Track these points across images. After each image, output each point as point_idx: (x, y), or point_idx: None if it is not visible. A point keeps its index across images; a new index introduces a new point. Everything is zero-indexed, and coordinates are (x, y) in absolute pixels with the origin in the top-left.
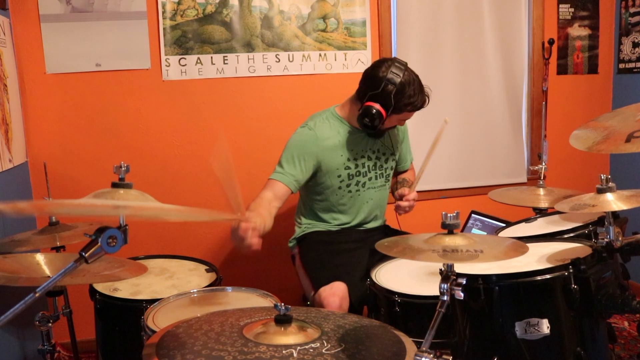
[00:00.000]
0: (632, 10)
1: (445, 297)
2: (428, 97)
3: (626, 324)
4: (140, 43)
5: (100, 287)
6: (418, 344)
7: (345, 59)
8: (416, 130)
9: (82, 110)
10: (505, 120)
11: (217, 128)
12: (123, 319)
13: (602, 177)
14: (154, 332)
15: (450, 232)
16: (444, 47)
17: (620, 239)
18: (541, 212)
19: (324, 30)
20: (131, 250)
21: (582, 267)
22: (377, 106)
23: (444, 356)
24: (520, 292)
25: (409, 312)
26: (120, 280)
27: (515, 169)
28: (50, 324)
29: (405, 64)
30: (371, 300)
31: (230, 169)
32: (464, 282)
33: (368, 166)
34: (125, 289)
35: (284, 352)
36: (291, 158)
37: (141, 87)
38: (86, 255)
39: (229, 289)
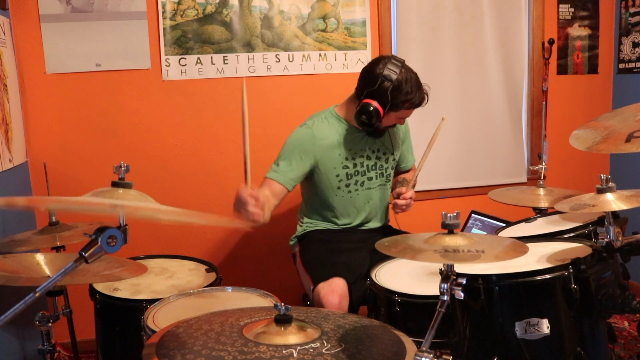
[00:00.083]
0: (632, 10)
1: (445, 297)
2: (427, 95)
3: (626, 324)
4: (140, 43)
5: (100, 287)
6: (418, 344)
7: (345, 59)
8: (416, 130)
9: (82, 110)
10: (505, 120)
11: (217, 128)
12: (123, 318)
13: (602, 177)
14: (154, 332)
15: (451, 232)
16: (444, 47)
17: (620, 239)
18: (541, 212)
19: (324, 30)
20: (131, 250)
21: (582, 267)
22: (375, 103)
23: (444, 356)
24: (520, 292)
25: (409, 312)
26: (120, 280)
27: (515, 169)
28: (50, 324)
29: (402, 61)
30: (371, 300)
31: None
32: (464, 282)
33: (367, 166)
34: (125, 289)
35: (284, 352)
36: (288, 156)
37: (141, 87)
38: (86, 255)
39: (229, 289)
